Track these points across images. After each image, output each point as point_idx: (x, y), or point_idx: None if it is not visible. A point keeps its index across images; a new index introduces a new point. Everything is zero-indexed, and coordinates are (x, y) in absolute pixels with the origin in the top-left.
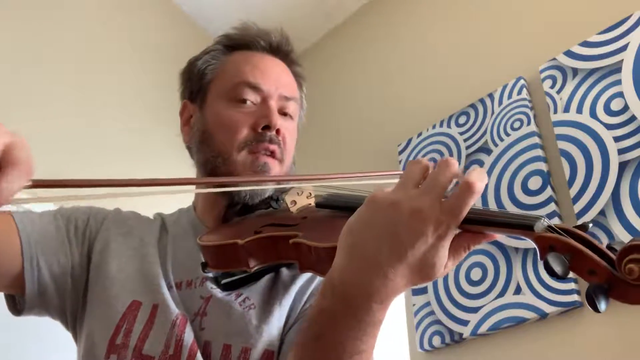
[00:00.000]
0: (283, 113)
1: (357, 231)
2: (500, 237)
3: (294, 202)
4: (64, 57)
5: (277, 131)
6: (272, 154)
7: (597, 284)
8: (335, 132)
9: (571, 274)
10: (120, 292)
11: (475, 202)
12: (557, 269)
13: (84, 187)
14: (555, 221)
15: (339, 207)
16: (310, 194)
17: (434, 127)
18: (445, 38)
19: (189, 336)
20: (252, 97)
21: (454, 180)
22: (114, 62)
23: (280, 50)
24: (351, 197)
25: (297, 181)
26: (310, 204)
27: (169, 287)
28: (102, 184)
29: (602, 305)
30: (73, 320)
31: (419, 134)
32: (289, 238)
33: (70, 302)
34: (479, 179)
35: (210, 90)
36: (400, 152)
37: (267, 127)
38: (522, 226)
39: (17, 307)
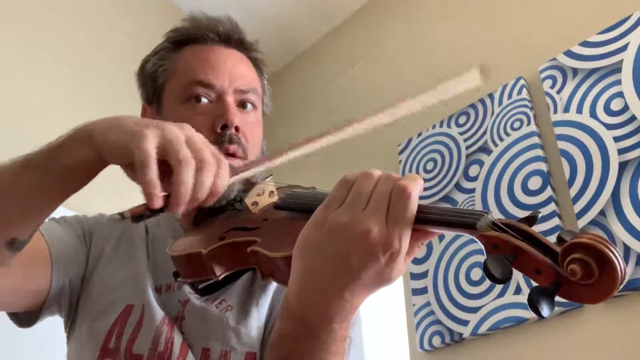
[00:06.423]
0: (243, 105)
1: (309, 256)
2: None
3: (256, 203)
4: (63, 57)
5: (237, 128)
6: (233, 155)
7: (539, 287)
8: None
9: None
10: (116, 298)
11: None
12: (496, 272)
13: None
14: (555, 221)
15: (295, 210)
16: (272, 192)
17: (434, 127)
18: (445, 38)
19: (178, 336)
20: (206, 95)
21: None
22: (113, 63)
23: (231, 39)
24: (308, 198)
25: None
26: (273, 202)
27: (154, 290)
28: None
29: (545, 311)
30: (69, 322)
31: (419, 134)
32: (247, 245)
33: (73, 305)
34: (412, 180)
35: (165, 93)
36: (400, 152)
37: (226, 126)
38: (465, 225)
39: (19, 319)
